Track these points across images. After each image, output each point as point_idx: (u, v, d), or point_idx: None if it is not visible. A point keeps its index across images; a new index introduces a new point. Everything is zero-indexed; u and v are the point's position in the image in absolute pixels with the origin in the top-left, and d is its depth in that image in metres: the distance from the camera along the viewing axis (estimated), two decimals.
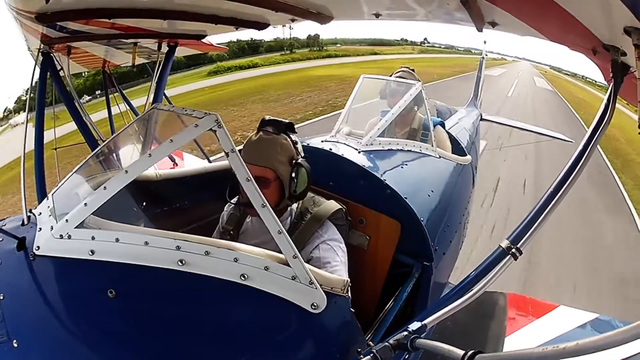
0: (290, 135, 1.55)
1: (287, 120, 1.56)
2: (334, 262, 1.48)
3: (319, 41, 43.72)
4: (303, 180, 1.52)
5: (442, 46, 69.77)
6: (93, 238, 1.09)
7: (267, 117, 1.57)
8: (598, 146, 1.50)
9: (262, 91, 18.46)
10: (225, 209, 1.78)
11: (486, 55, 7.58)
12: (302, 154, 1.56)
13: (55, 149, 3.55)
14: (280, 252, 1.11)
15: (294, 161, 1.51)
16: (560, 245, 6.04)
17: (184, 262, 1.06)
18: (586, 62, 1.66)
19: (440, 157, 2.37)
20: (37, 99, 2.52)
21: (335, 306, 1.15)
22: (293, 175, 1.49)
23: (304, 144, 1.92)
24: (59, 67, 2.68)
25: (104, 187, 1.12)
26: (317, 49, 42.56)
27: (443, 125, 2.93)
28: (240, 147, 1.39)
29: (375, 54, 45.19)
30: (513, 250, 1.43)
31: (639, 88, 1.11)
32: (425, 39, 66.25)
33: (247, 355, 1.11)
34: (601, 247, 6.34)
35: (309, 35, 42.60)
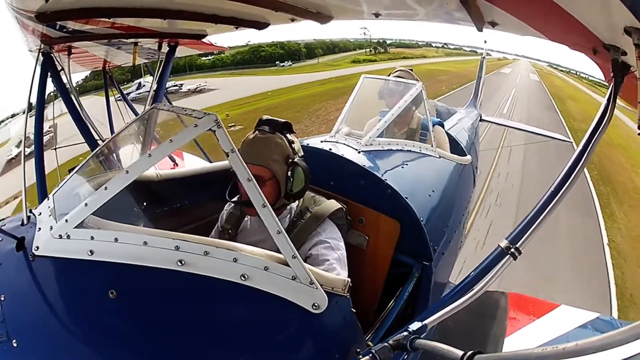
0: (287, 135, 1.54)
1: (283, 120, 1.56)
2: (331, 260, 1.47)
3: (385, 44, 53.25)
4: (299, 179, 1.50)
5: (451, 48, 70.68)
6: (92, 238, 1.09)
7: (264, 117, 1.56)
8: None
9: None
10: (225, 208, 1.78)
11: (488, 54, 7.63)
12: (300, 154, 1.55)
13: (55, 148, 3.55)
14: (279, 251, 1.11)
15: (289, 160, 1.50)
16: None
17: (183, 262, 1.05)
18: (583, 60, 1.77)
19: (440, 157, 2.36)
20: (37, 99, 2.52)
21: (336, 306, 1.15)
22: (289, 174, 1.49)
23: (303, 144, 1.92)
24: (59, 67, 2.68)
25: (105, 187, 1.11)
26: (383, 52, 50.73)
27: (442, 126, 2.92)
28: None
29: (425, 57, 53.21)
30: (512, 250, 1.43)
31: None
32: (445, 43, 72.42)
33: (247, 355, 1.10)
34: None
35: (377, 40, 52.27)
